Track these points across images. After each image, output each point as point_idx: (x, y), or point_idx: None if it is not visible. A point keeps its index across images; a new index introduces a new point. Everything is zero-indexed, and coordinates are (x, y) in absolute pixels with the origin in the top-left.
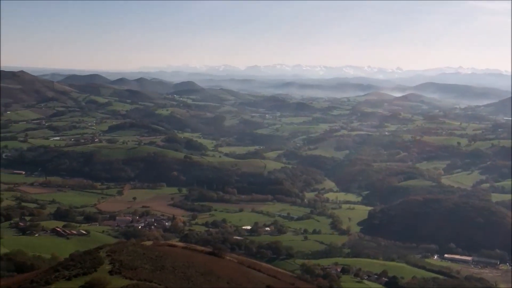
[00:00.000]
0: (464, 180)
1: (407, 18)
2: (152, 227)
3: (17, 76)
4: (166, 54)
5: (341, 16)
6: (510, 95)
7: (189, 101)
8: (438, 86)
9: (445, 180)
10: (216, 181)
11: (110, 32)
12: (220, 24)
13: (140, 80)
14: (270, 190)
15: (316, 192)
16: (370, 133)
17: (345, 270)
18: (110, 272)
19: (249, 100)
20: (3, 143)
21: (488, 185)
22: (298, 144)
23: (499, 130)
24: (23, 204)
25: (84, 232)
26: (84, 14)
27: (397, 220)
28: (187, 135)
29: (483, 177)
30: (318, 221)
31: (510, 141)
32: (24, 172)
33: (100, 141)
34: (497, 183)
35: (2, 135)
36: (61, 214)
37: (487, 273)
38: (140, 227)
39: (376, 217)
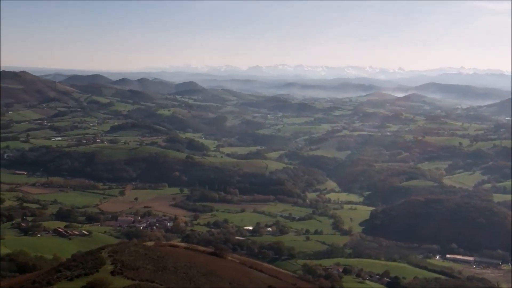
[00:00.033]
0: (465, 180)
1: (408, 18)
2: (154, 227)
3: (19, 76)
4: (168, 55)
5: (343, 16)
6: (511, 96)
7: (191, 102)
8: (439, 86)
9: (447, 181)
10: (218, 181)
11: (112, 32)
12: (221, 24)
13: (142, 81)
14: (272, 191)
15: (318, 193)
16: (372, 133)
17: (347, 271)
18: (112, 273)
19: (251, 100)
20: (5, 144)
21: (490, 185)
22: (300, 145)
23: (501, 130)
24: (25, 204)
25: (86, 232)
26: (86, 14)
27: (399, 220)
28: (189, 135)
29: (485, 178)
30: (320, 221)
31: (511, 141)
32: (26, 173)
33: (102, 142)
34: (499, 184)
35: (4, 135)
36: (63, 215)
37: (489, 274)
38: (142, 227)
39: (378, 217)
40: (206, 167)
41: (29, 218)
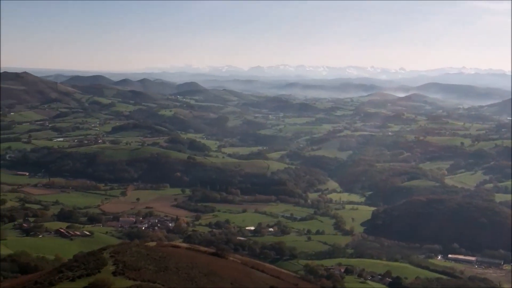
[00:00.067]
0: (467, 180)
1: (409, 18)
2: (156, 228)
3: (20, 77)
4: (169, 55)
5: (344, 16)
6: None
7: (192, 102)
8: (441, 86)
9: (449, 181)
10: (219, 181)
11: (113, 33)
12: (223, 24)
13: (143, 81)
14: (273, 191)
15: (319, 193)
16: (373, 133)
17: (348, 271)
18: (114, 273)
19: (252, 100)
20: (6, 144)
21: (491, 185)
22: (301, 145)
23: (503, 130)
24: (27, 205)
25: (87, 233)
26: (87, 14)
27: (400, 220)
28: (190, 135)
29: (487, 177)
30: (322, 221)
31: None
32: (27, 173)
33: (104, 142)
34: (501, 183)
35: (6, 136)
36: (64, 215)
37: (491, 273)
38: (143, 228)
39: (379, 217)
40: (208, 168)
41: (31, 219)
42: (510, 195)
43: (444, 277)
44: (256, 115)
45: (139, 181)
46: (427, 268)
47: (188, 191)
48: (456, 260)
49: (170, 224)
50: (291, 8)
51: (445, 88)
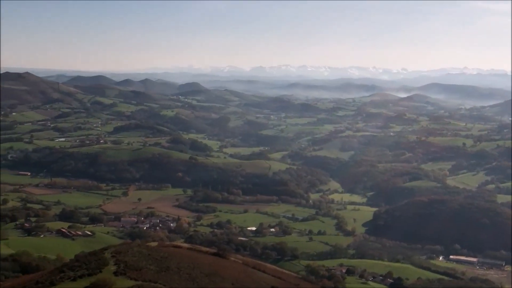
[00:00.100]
0: (469, 181)
1: (411, 18)
2: (157, 228)
3: (22, 77)
4: (171, 55)
5: (346, 17)
6: None
7: (194, 102)
8: (443, 86)
9: (450, 181)
10: (221, 182)
11: (115, 33)
12: (225, 25)
13: (145, 81)
14: (275, 191)
15: (321, 193)
16: (375, 134)
17: (350, 271)
18: (115, 273)
19: (254, 101)
20: (8, 144)
21: (493, 186)
22: (303, 145)
23: (505, 130)
24: (29, 205)
25: (89, 233)
26: (90, 15)
27: (402, 221)
28: (192, 136)
29: (489, 178)
30: (323, 222)
31: None
32: (29, 173)
33: (105, 142)
34: (503, 184)
35: (7, 136)
36: (66, 215)
37: (493, 275)
38: (145, 228)
39: (381, 218)
40: (209, 168)
41: (33, 219)
42: (511, 196)
43: (446, 278)
44: (258, 115)
45: (140, 181)
46: (428, 269)
47: (189, 191)
48: (457, 261)
49: (171, 224)
50: (292, 8)
51: (447, 88)
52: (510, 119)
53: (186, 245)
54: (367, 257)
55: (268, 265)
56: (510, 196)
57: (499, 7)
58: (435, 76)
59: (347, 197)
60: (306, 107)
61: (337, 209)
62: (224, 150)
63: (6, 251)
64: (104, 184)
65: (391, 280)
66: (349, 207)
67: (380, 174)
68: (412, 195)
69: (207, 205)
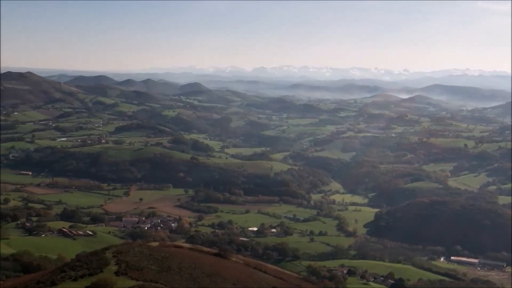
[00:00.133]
0: (471, 182)
1: (412, 18)
2: (158, 228)
3: (24, 77)
4: (173, 56)
5: (346, 17)
6: None
7: (196, 103)
8: (445, 88)
9: (452, 182)
10: (222, 182)
11: (117, 33)
12: (227, 25)
13: (147, 81)
14: (276, 192)
15: (322, 194)
16: (377, 134)
17: (351, 272)
18: (116, 273)
19: (256, 101)
20: (10, 144)
21: (495, 187)
22: (304, 146)
23: (506, 132)
24: (30, 204)
25: (90, 232)
26: (92, 15)
27: (403, 222)
28: (193, 136)
29: (490, 179)
30: (325, 222)
31: None
32: (31, 173)
33: (107, 142)
34: (504, 186)
35: (9, 136)
36: (67, 215)
37: (494, 276)
38: (146, 228)
39: (382, 219)
40: (211, 168)
41: (34, 218)
42: None
43: (447, 279)
44: (260, 116)
45: (142, 181)
46: (429, 270)
47: (191, 192)
48: (459, 262)
49: (172, 224)
50: (292, 8)
51: (449, 89)
52: None
53: (187, 245)
54: (368, 258)
55: (269, 265)
56: (511, 198)
57: (499, 7)
58: (437, 77)
59: (348, 198)
60: (308, 108)
61: (339, 210)
62: (226, 150)
63: (7, 250)
64: (106, 184)
65: (392, 281)
66: (351, 208)
67: (381, 175)
68: (413, 196)
69: (208, 205)
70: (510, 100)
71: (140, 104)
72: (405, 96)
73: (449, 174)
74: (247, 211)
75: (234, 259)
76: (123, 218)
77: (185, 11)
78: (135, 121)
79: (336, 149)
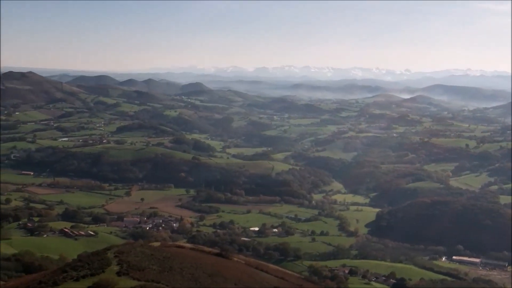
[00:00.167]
0: (472, 182)
1: (412, 18)
2: (160, 228)
3: (26, 76)
4: (174, 56)
5: (346, 17)
6: None
7: (197, 102)
8: (446, 88)
9: (453, 182)
10: (224, 182)
11: (118, 33)
12: (228, 25)
13: (149, 81)
14: (277, 192)
15: (323, 194)
16: (378, 135)
17: (352, 272)
18: (118, 273)
19: (257, 101)
20: (11, 144)
21: (496, 187)
22: (306, 146)
23: (507, 132)
24: (31, 204)
25: (92, 233)
26: (93, 15)
27: (405, 222)
28: (195, 136)
29: (492, 179)
30: (326, 222)
31: None
32: (32, 173)
33: (108, 142)
34: (505, 185)
35: (11, 135)
36: (69, 215)
37: (495, 275)
38: (148, 228)
39: (384, 219)
40: (212, 168)
41: (36, 219)
42: None
43: (449, 278)
44: (261, 116)
45: (143, 181)
46: (431, 269)
47: (192, 192)
48: (460, 262)
49: (174, 225)
50: (293, 8)
51: (450, 89)
52: None
53: (188, 245)
54: (370, 257)
55: (271, 265)
56: None
57: (499, 7)
58: (438, 77)
59: (350, 197)
60: (309, 108)
61: (340, 210)
62: (227, 150)
63: (9, 250)
64: (107, 184)
65: (393, 281)
66: (352, 207)
67: (383, 175)
68: (415, 196)
69: (210, 205)
70: (510, 100)
71: (142, 104)
72: (406, 96)
73: (451, 174)
74: (248, 211)
75: (235, 259)
76: (125, 218)
77: (185, 11)
78: (137, 121)
79: (338, 149)
